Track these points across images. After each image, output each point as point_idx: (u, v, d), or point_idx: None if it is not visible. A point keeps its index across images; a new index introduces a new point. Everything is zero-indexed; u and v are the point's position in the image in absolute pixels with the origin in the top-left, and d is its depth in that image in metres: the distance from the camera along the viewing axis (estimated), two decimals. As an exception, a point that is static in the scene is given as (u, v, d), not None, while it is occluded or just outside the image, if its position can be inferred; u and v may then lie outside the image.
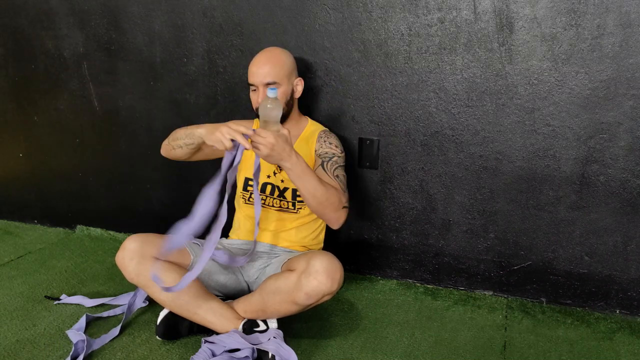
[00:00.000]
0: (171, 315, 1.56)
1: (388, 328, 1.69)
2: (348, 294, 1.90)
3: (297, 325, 1.66)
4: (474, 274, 1.92)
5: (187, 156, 1.69)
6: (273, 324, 1.53)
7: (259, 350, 1.45)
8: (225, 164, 1.39)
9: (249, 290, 1.72)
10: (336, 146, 1.69)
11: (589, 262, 1.78)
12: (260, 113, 1.40)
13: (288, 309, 1.48)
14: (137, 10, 2.07)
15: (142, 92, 2.16)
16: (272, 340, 1.46)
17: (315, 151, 1.69)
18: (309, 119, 1.79)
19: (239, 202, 1.79)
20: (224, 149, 1.37)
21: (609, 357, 1.56)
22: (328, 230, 1.80)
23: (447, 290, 1.94)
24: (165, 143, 1.73)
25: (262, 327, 1.52)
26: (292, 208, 1.70)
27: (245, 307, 1.54)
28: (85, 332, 1.59)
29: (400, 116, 1.86)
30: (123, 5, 2.08)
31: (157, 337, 1.57)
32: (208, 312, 1.52)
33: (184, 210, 2.22)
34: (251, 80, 1.63)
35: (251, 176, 1.72)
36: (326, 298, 1.44)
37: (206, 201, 1.38)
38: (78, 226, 2.44)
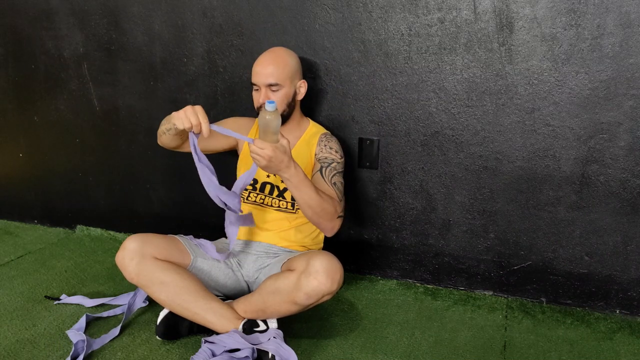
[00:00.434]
0: (171, 315, 1.56)
1: (388, 328, 1.69)
2: (348, 294, 1.90)
3: (297, 325, 1.66)
4: (474, 274, 1.92)
5: (174, 142, 1.63)
6: (273, 324, 1.53)
7: (259, 350, 1.45)
8: (191, 145, 1.43)
9: (249, 290, 1.72)
10: (336, 151, 1.69)
11: (589, 262, 1.78)
12: (259, 123, 1.40)
13: (288, 309, 1.48)
14: (137, 10, 2.07)
15: (142, 92, 2.16)
16: (272, 340, 1.46)
17: (315, 155, 1.69)
18: (310, 120, 1.79)
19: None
20: (182, 127, 1.39)
21: (609, 357, 1.56)
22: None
23: (447, 290, 1.94)
24: (158, 131, 1.69)
25: (262, 327, 1.52)
26: (291, 208, 1.70)
27: (245, 307, 1.54)
28: (85, 332, 1.59)
29: (400, 116, 1.86)
30: (123, 5, 2.08)
31: (157, 337, 1.57)
32: (208, 312, 1.52)
33: (184, 210, 2.24)
34: (254, 80, 1.63)
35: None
36: (326, 298, 1.44)
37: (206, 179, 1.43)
38: (78, 226, 2.44)
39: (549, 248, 1.81)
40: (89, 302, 1.77)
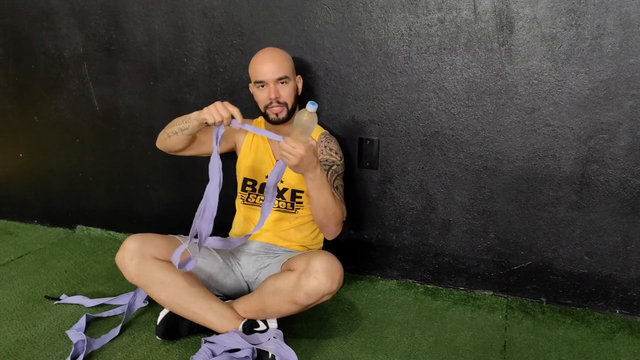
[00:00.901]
0: (171, 315, 1.56)
1: (388, 328, 1.69)
2: (348, 294, 1.90)
3: (297, 325, 1.66)
4: (474, 274, 1.92)
5: (180, 145, 1.63)
6: (273, 324, 1.53)
7: (259, 350, 1.45)
8: (214, 139, 1.46)
9: (249, 290, 1.72)
10: (336, 153, 1.69)
11: (589, 262, 1.78)
12: (296, 123, 1.39)
13: (288, 309, 1.48)
14: (137, 10, 2.07)
15: (142, 92, 2.16)
16: (272, 340, 1.46)
17: None
18: (309, 119, 1.79)
19: (237, 202, 1.79)
20: (212, 121, 1.42)
21: (609, 357, 1.56)
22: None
23: (447, 290, 1.94)
24: (161, 133, 1.68)
25: (262, 327, 1.52)
26: (291, 209, 1.70)
27: (245, 307, 1.54)
28: (85, 332, 1.59)
29: (400, 116, 1.86)
30: (123, 5, 2.08)
31: (157, 337, 1.57)
32: (208, 312, 1.52)
33: (184, 210, 2.24)
34: (260, 77, 1.62)
35: (249, 176, 1.73)
36: (326, 298, 1.44)
37: (210, 197, 1.45)
38: (78, 226, 2.44)
39: (549, 248, 1.81)
40: (89, 302, 1.77)
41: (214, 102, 2.03)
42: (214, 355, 1.44)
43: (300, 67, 1.86)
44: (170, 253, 1.56)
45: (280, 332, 1.50)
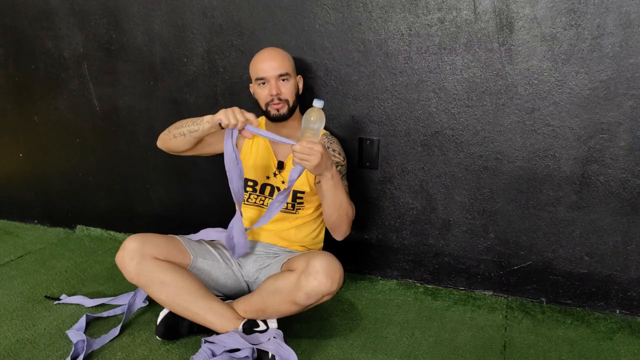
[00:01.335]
0: (171, 315, 1.56)
1: (388, 328, 1.69)
2: (348, 294, 1.90)
3: (297, 325, 1.66)
4: (474, 274, 1.92)
5: (186, 146, 1.63)
6: (273, 324, 1.53)
7: (259, 350, 1.45)
8: (226, 145, 1.48)
9: (249, 290, 1.72)
10: (339, 153, 1.69)
11: (589, 262, 1.78)
12: (305, 123, 1.40)
13: (288, 309, 1.48)
14: (137, 10, 2.07)
15: (142, 92, 2.16)
16: (272, 340, 1.46)
17: None
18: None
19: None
20: (227, 124, 1.43)
21: (609, 357, 1.56)
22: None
23: (447, 290, 1.94)
24: (164, 133, 1.67)
25: (262, 327, 1.52)
26: (291, 209, 1.70)
27: (245, 307, 1.54)
28: (85, 332, 1.59)
29: (400, 116, 1.86)
30: (123, 5, 2.08)
31: (157, 337, 1.57)
32: (208, 312, 1.52)
33: (184, 210, 2.24)
34: (262, 74, 1.62)
35: (250, 177, 1.72)
36: (326, 298, 1.44)
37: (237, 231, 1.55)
38: (78, 226, 2.44)
39: (549, 248, 1.81)
40: (89, 302, 1.77)
41: (214, 102, 2.06)
42: (214, 355, 1.44)
43: (300, 67, 1.86)
44: (170, 253, 1.56)
45: (280, 332, 1.50)
